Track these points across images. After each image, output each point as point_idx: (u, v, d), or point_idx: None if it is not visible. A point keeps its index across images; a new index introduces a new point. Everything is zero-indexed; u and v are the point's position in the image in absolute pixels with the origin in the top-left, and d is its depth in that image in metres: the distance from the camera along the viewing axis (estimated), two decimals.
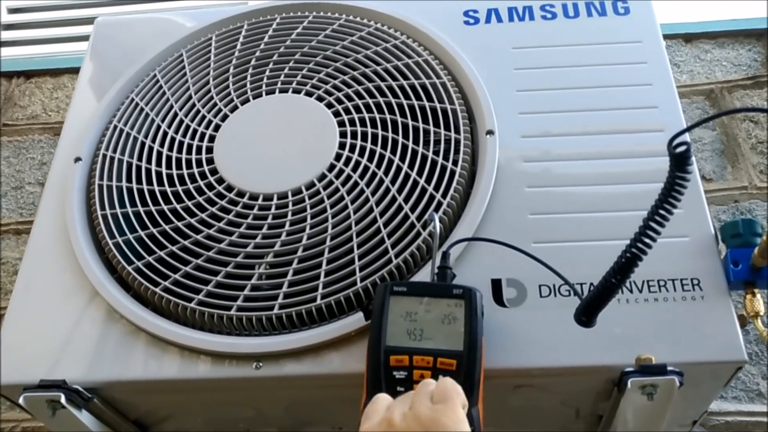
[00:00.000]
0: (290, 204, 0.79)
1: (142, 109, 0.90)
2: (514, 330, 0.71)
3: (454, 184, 0.78)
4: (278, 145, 0.84)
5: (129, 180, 0.84)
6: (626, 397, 0.66)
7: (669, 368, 0.65)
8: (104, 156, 0.86)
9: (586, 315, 0.62)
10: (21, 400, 0.71)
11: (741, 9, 1.46)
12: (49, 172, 0.89)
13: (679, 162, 0.54)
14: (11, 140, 1.47)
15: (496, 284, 0.74)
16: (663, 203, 0.55)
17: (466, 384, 0.62)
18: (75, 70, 1.56)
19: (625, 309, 0.71)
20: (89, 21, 1.66)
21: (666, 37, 1.44)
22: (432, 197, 0.77)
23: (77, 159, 0.88)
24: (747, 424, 1.02)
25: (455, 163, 0.80)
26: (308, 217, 0.78)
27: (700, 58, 1.42)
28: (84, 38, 1.63)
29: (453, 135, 0.82)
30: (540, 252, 0.73)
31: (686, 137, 0.78)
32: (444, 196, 0.77)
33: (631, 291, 0.72)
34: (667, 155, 0.75)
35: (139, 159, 0.86)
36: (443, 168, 0.79)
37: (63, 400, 0.70)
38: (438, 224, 0.73)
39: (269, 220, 0.79)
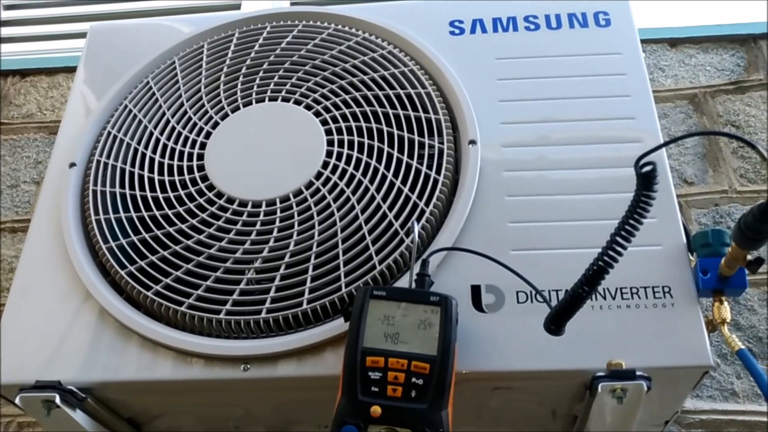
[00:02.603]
0: (278, 211, 0.82)
1: (135, 116, 0.92)
2: (493, 334, 0.74)
3: (437, 192, 0.81)
4: (267, 152, 0.87)
5: (122, 186, 0.87)
6: (597, 400, 0.70)
7: (638, 373, 0.68)
8: (98, 162, 0.89)
9: (555, 324, 0.65)
10: (17, 400, 0.74)
11: (725, 14, 1.49)
12: (45, 177, 0.91)
13: (645, 181, 0.57)
14: (7, 139, 1.49)
15: (476, 290, 0.76)
16: (629, 219, 0.58)
17: (438, 387, 0.65)
18: (70, 69, 1.58)
19: (598, 315, 0.74)
20: (85, 18, 1.69)
21: (651, 41, 1.48)
22: (415, 205, 0.80)
23: (72, 164, 0.90)
24: (721, 422, 1.05)
25: (438, 171, 0.82)
26: (295, 224, 0.81)
27: (684, 62, 1.45)
28: (80, 35, 1.66)
29: (437, 144, 0.84)
30: (518, 259, 0.76)
31: (662, 153, 0.81)
32: (427, 204, 0.80)
33: (604, 297, 0.75)
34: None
35: (132, 165, 0.88)
36: (426, 177, 0.82)
37: (57, 400, 0.73)
38: (417, 233, 0.76)
39: (258, 227, 0.81)
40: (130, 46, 1.03)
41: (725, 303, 0.73)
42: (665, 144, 0.59)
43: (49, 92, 1.56)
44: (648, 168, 0.57)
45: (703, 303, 0.76)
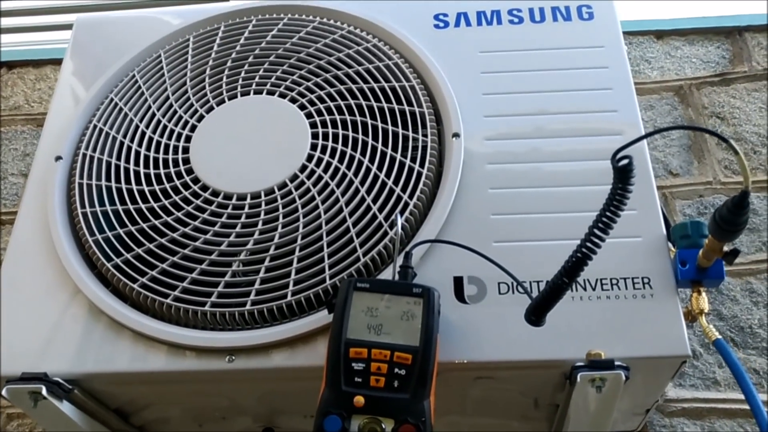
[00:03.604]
0: (263, 204, 0.83)
1: (120, 109, 0.93)
2: (474, 325, 0.75)
3: (421, 185, 0.82)
4: (252, 145, 0.88)
5: (108, 179, 0.87)
6: (577, 390, 0.71)
7: (616, 363, 0.69)
8: (84, 155, 0.89)
9: (536, 315, 0.66)
10: (4, 392, 0.74)
11: (711, 7, 1.50)
12: (31, 170, 0.91)
13: (622, 175, 0.58)
14: None
15: (458, 282, 0.77)
16: (606, 212, 0.59)
17: (420, 377, 0.66)
18: (57, 61, 1.58)
19: (579, 306, 0.75)
20: (72, 9, 1.69)
21: (638, 33, 1.48)
22: (399, 198, 0.81)
23: (58, 158, 0.90)
24: (702, 410, 1.07)
25: (422, 165, 0.83)
26: (280, 217, 0.82)
27: (670, 54, 1.46)
28: (67, 27, 1.65)
29: (421, 137, 0.85)
30: (500, 251, 0.77)
31: (643, 146, 0.83)
32: (411, 196, 0.81)
33: (585, 289, 0.76)
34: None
35: (118, 158, 0.89)
36: (410, 169, 0.83)
37: (44, 391, 0.74)
38: (400, 226, 0.77)
39: (243, 219, 0.82)
40: (116, 38, 1.03)
41: (703, 294, 0.75)
42: (640, 138, 0.60)
43: (37, 84, 1.56)
44: (624, 162, 0.58)
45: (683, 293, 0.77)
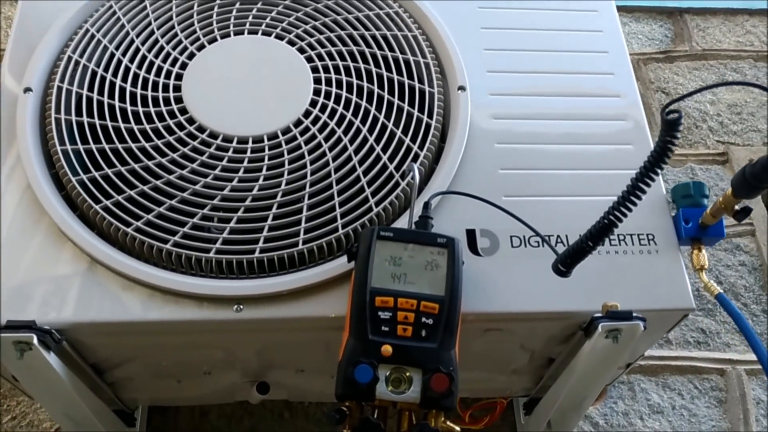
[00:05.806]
0: (267, 148, 0.79)
1: (99, 41, 0.85)
2: (491, 277, 0.75)
3: (430, 137, 0.80)
4: (250, 87, 0.83)
5: (90, 115, 0.80)
6: (593, 341, 0.72)
7: (634, 314, 0.71)
8: (60, 88, 0.81)
9: (566, 266, 0.66)
10: None
11: None
12: None
13: (670, 127, 0.59)
14: None
15: (471, 234, 0.77)
16: (653, 165, 0.60)
17: (447, 327, 0.66)
18: None
19: (588, 260, 0.76)
20: None
21: None
22: (409, 149, 0.79)
23: (27, 89, 0.82)
24: (657, 367, 1.13)
25: (430, 116, 0.82)
26: (286, 163, 0.78)
27: None
28: None
29: (427, 89, 0.84)
30: (509, 205, 0.77)
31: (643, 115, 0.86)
32: (420, 148, 0.79)
33: None
34: (623, 120, 0.82)
35: (100, 93, 0.82)
36: (419, 120, 0.81)
37: (35, 341, 0.67)
38: (417, 175, 0.75)
39: (245, 164, 0.78)
40: None
41: (703, 251, 0.78)
42: (693, 93, 0.61)
43: None
44: (674, 115, 0.59)
45: None
